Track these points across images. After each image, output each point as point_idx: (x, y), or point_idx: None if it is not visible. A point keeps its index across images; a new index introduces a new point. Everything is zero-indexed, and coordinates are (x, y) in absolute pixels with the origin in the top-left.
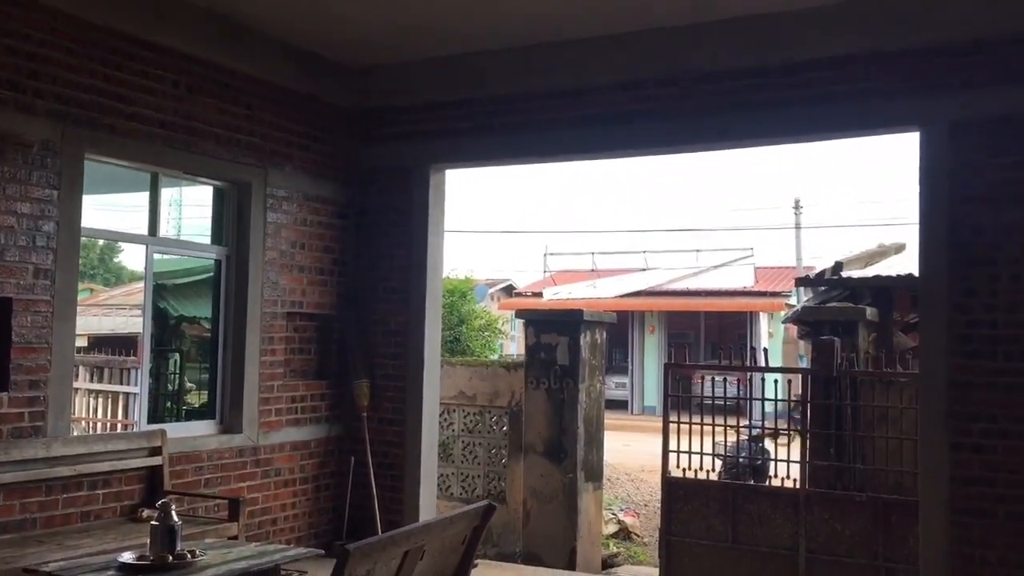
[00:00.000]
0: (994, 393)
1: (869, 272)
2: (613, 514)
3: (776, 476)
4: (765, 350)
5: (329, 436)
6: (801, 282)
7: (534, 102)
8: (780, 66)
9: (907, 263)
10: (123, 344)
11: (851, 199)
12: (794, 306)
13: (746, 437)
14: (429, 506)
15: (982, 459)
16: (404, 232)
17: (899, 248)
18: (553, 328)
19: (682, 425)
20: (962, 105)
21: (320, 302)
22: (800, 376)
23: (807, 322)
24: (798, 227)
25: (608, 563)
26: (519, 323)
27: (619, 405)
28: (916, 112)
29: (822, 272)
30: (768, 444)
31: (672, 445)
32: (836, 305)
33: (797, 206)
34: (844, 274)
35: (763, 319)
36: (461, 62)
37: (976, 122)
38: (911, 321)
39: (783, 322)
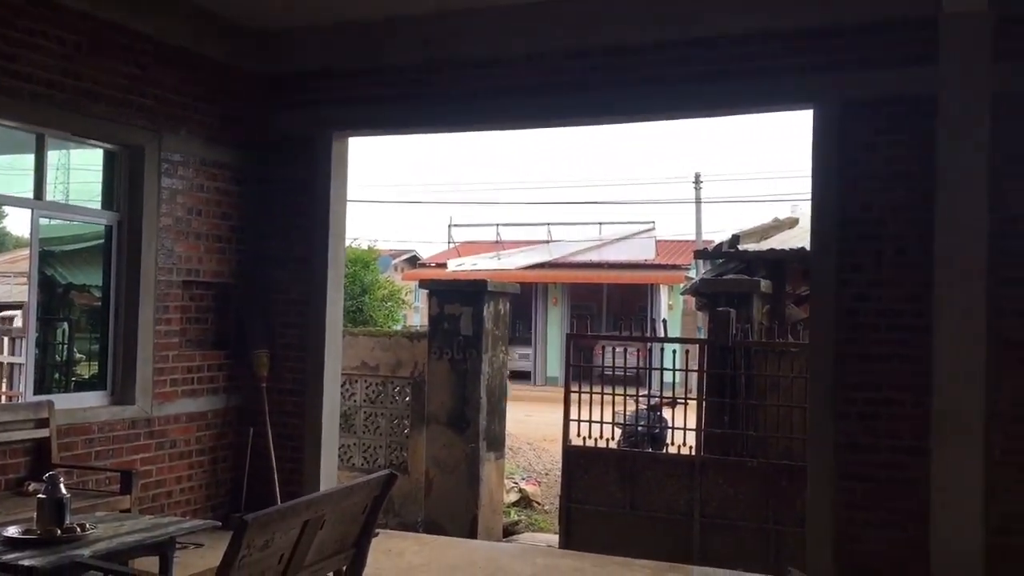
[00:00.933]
0: (878, 364)
1: (764, 246)
2: (515, 483)
3: (673, 444)
4: (664, 321)
5: (227, 407)
6: (700, 255)
7: (443, 71)
8: (683, 42)
9: (800, 237)
10: None
11: (750, 174)
12: (693, 279)
13: (644, 406)
14: (330, 477)
15: (866, 426)
16: (306, 200)
17: (793, 223)
18: (457, 298)
19: (583, 395)
20: (854, 84)
21: (218, 270)
22: (697, 346)
23: (705, 294)
24: (698, 201)
25: (509, 531)
26: (423, 294)
27: (522, 376)
28: (810, 90)
29: (720, 245)
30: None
31: (573, 415)
32: (732, 277)
33: (697, 180)
34: (741, 247)
35: (663, 291)
36: (368, 28)
37: (867, 101)
38: (802, 294)
39: (682, 294)
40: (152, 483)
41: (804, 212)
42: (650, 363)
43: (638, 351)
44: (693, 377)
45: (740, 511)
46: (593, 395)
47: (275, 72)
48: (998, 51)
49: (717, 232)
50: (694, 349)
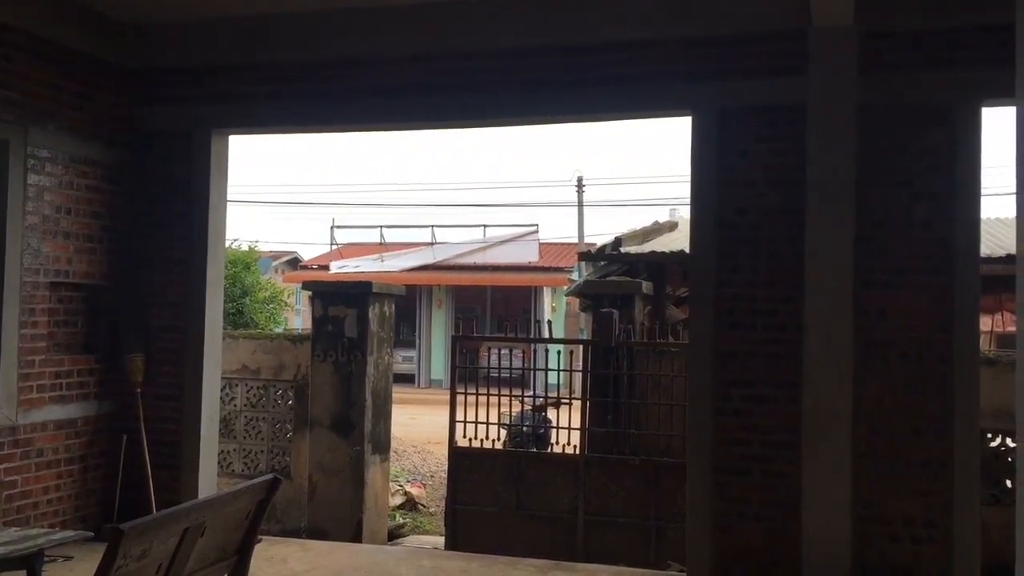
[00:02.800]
0: (752, 361)
1: (646, 248)
2: (400, 486)
3: (558, 443)
4: (549, 323)
5: (99, 414)
6: (583, 257)
7: (325, 70)
8: (568, 47)
9: (680, 240)
10: None
11: (631, 178)
12: (576, 281)
13: (529, 407)
14: (209, 484)
15: (741, 422)
16: (183, 199)
17: (673, 226)
18: (341, 300)
19: (469, 396)
20: (731, 93)
21: (88, 271)
22: (580, 347)
23: (588, 295)
24: (581, 204)
25: (395, 534)
26: (305, 296)
27: (407, 379)
28: (689, 97)
29: (603, 248)
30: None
31: (459, 416)
32: (615, 279)
33: (580, 184)
34: (623, 250)
35: (547, 293)
36: (248, 24)
37: (743, 110)
38: (682, 295)
39: (566, 295)
40: (17, 494)
41: (684, 216)
42: (534, 364)
43: (523, 352)
44: (577, 377)
45: (623, 508)
46: (479, 396)
47: (151, 67)
48: (863, 64)
49: (599, 235)
50: (577, 350)
